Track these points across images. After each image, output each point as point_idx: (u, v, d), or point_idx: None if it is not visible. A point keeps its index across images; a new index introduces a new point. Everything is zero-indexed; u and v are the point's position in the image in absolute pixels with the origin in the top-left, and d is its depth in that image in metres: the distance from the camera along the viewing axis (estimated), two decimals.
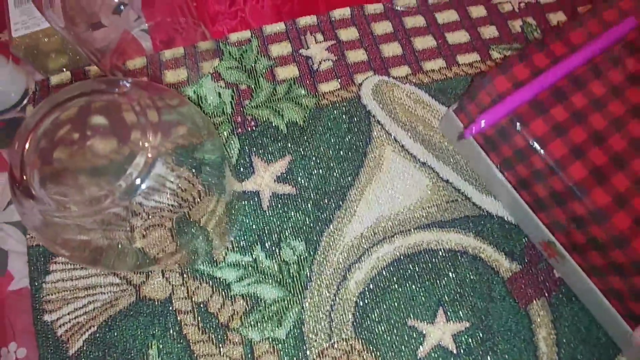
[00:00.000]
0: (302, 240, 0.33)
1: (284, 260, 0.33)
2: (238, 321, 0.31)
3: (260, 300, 0.32)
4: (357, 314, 0.31)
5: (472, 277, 0.32)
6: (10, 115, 0.39)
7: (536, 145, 0.29)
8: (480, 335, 0.30)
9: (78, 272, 0.33)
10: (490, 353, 0.30)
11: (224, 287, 0.32)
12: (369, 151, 0.36)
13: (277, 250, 0.33)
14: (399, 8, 0.42)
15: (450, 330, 0.30)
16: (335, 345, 0.30)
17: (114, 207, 0.23)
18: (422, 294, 0.31)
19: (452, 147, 0.36)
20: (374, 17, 0.41)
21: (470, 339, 0.30)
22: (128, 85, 0.25)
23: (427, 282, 0.32)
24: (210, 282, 0.32)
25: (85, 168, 0.25)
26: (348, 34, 0.40)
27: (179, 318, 0.32)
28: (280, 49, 0.40)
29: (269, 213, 0.34)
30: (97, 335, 0.31)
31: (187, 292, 0.32)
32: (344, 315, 0.31)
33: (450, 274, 0.32)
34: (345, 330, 0.31)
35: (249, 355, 0.30)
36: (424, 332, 0.30)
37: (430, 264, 0.32)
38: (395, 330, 0.31)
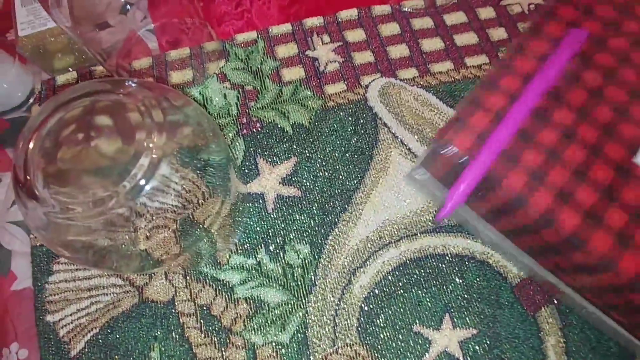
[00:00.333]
0: (306, 244, 0.33)
1: (288, 263, 0.32)
2: (241, 325, 0.31)
3: (264, 304, 0.31)
4: (362, 319, 0.31)
5: (479, 283, 0.31)
6: (16, 115, 0.39)
7: (517, 201, 0.27)
8: (488, 342, 0.30)
9: (81, 273, 0.33)
10: None
11: (227, 290, 0.32)
12: (375, 154, 0.35)
13: (281, 253, 0.33)
14: (406, 9, 0.41)
15: (456, 337, 0.30)
16: (340, 351, 0.30)
17: (118, 208, 0.22)
18: (428, 299, 0.31)
19: None
20: (381, 18, 0.41)
21: (477, 346, 0.30)
22: (133, 85, 0.24)
23: (433, 288, 0.31)
24: (214, 285, 0.32)
25: (89, 168, 0.25)
26: (355, 35, 0.40)
27: (181, 320, 0.31)
28: (287, 50, 0.39)
29: (273, 215, 0.34)
30: (99, 336, 0.31)
31: (190, 295, 0.32)
32: (348, 320, 0.31)
33: (457, 279, 0.31)
34: (349, 336, 0.30)
35: (252, 359, 0.30)
36: (430, 338, 0.30)
37: (436, 269, 0.32)
38: (400, 336, 0.30)
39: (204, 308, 0.32)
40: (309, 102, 0.37)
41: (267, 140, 0.36)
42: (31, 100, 0.39)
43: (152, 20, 0.40)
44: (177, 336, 0.31)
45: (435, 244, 0.33)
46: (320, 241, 0.33)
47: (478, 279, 0.31)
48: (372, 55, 0.39)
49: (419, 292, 0.31)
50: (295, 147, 0.36)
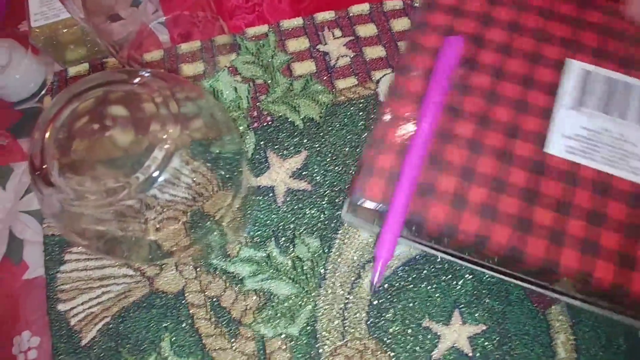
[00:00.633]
0: (316, 237, 0.33)
1: (297, 256, 0.32)
2: (251, 317, 0.31)
3: (274, 296, 0.31)
4: (372, 313, 0.31)
5: (489, 279, 0.31)
6: (28, 106, 0.39)
7: (448, 230, 0.27)
8: (497, 338, 0.30)
9: (92, 263, 0.33)
10: (507, 357, 0.29)
11: (237, 282, 0.32)
12: None
13: (291, 247, 0.33)
14: (418, 5, 0.41)
15: (466, 332, 0.30)
16: (349, 344, 0.30)
17: (130, 199, 0.23)
18: (437, 294, 0.31)
19: None
20: (393, 13, 0.41)
21: (486, 342, 0.30)
22: (147, 75, 0.24)
23: (443, 283, 0.31)
24: (224, 277, 0.32)
25: (103, 159, 0.25)
26: (366, 30, 0.40)
27: (191, 311, 0.32)
28: (298, 44, 0.39)
29: (283, 209, 0.34)
30: (111, 326, 0.31)
31: (200, 286, 0.32)
32: (358, 314, 0.31)
33: (466, 275, 0.31)
34: (358, 329, 0.30)
35: (261, 351, 0.30)
36: (439, 333, 0.30)
37: (446, 265, 0.32)
38: (409, 331, 0.30)
39: (214, 299, 0.32)
40: (320, 97, 0.37)
41: (277, 134, 0.36)
42: (43, 92, 0.39)
43: (164, 13, 0.40)
44: (187, 327, 0.31)
45: None
46: (330, 235, 0.33)
47: (487, 275, 0.31)
48: (384, 50, 0.39)
49: (429, 287, 0.31)
50: (305, 141, 0.36)
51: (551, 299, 0.30)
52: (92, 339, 0.31)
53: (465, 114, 0.29)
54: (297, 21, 0.40)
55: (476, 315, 0.30)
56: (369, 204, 0.27)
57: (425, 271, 0.32)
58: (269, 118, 0.36)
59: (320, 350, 0.30)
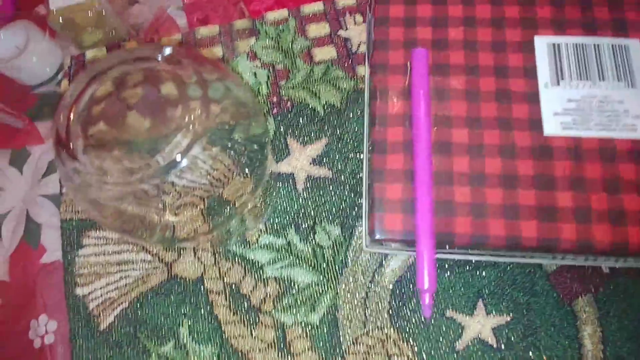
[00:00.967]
0: (337, 225, 0.32)
1: (318, 244, 0.32)
2: (270, 304, 0.31)
3: (294, 284, 0.31)
4: (394, 302, 0.30)
5: (513, 269, 0.31)
6: (45, 89, 0.39)
7: (479, 242, 0.26)
8: (522, 330, 0.29)
9: (110, 248, 0.33)
10: (533, 349, 0.29)
11: (256, 269, 0.32)
12: None
13: (311, 234, 0.32)
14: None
15: (490, 323, 0.29)
16: (370, 333, 0.30)
17: (150, 180, 0.22)
18: (461, 285, 0.30)
19: None
20: None
21: (511, 334, 0.29)
22: (171, 51, 0.24)
23: (466, 273, 0.31)
24: (243, 264, 0.32)
25: (125, 142, 0.25)
26: None
27: (210, 298, 0.31)
28: (318, 29, 0.38)
29: (304, 196, 0.33)
30: (129, 311, 0.31)
31: (219, 273, 0.32)
32: (379, 303, 0.30)
33: (490, 265, 0.31)
34: (380, 318, 0.30)
35: (281, 339, 0.30)
36: (463, 324, 0.29)
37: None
38: (432, 321, 0.30)
39: (233, 286, 0.31)
40: (341, 83, 0.36)
41: (297, 120, 0.35)
42: (60, 75, 0.39)
43: None
44: (205, 313, 0.31)
45: None
46: (351, 223, 0.32)
47: (512, 265, 0.31)
48: None
49: (452, 277, 0.31)
50: (326, 127, 0.35)
51: (577, 290, 0.30)
52: (110, 324, 0.31)
53: (455, 120, 0.28)
54: (318, 6, 0.39)
55: (500, 306, 0.30)
56: (391, 236, 0.27)
57: (448, 261, 0.31)
58: (289, 104, 0.36)
59: (342, 339, 0.30)
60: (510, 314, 0.30)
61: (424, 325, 0.30)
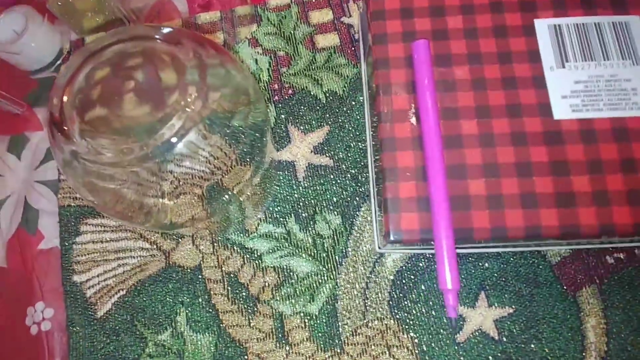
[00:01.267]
0: (338, 214, 0.32)
1: (318, 233, 0.31)
2: (269, 293, 0.30)
3: (293, 274, 0.31)
4: (394, 293, 0.30)
5: (516, 261, 0.30)
6: (44, 75, 0.39)
7: (499, 233, 0.26)
8: (524, 321, 0.29)
9: (108, 235, 0.32)
10: (535, 340, 0.28)
11: (255, 258, 0.31)
12: None
13: (311, 223, 0.32)
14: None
15: (492, 315, 0.29)
16: (370, 324, 0.29)
17: (146, 161, 0.22)
18: (463, 276, 0.30)
19: None
20: None
21: (513, 326, 0.28)
22: (172, 32, 0.23)
23: (468, 264, 0.30)
24: (241, 253, 0.31)
25: (121, 124, 0.24)
26: None
27: (208, 287, 0.31)
28: (321, 16, 0.38)
29: (304, 184, 0.33)
30: (126, 298, 0.31)
31: (218, 261, 0.31)
32: (379, 294, 0.30)
33: (492, 256, 0.30)
34: (380, 309, 0.29)
35: (280, 329, 0.29)
36: (464, 316, 0.29)
37: None
38: (433, 312, 0.29)
39: (232, 275, 0.31)
40: (344, 70, 0.36)
41: (299, 107, 0.35)
42: (59, 61, 0.39)
43: None
44: (203, 302, 0.30)
45: None
46: (352, 212, 0.32)
47: (515, 256, 0.30)
48: None
49: None
50: (328, 115, 0.34)
51: (581, 281, 0.29)
52: (107, 311, 0.31)
53: (462, 111, 0.28)
54: None
55: (503, 297, 0.29)
56: (407, 236, 0.26)
57: None
58: (290, 91, 0.35)
59: (341, 330, 0.29)
60: (513, 306, 0.29)
61: (424, 317, 0.29)
